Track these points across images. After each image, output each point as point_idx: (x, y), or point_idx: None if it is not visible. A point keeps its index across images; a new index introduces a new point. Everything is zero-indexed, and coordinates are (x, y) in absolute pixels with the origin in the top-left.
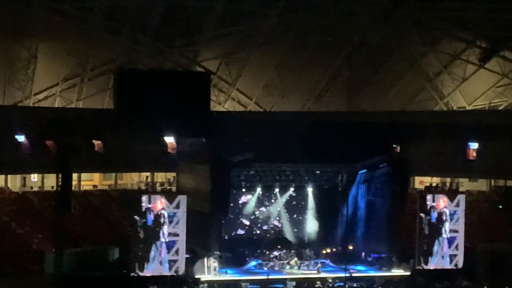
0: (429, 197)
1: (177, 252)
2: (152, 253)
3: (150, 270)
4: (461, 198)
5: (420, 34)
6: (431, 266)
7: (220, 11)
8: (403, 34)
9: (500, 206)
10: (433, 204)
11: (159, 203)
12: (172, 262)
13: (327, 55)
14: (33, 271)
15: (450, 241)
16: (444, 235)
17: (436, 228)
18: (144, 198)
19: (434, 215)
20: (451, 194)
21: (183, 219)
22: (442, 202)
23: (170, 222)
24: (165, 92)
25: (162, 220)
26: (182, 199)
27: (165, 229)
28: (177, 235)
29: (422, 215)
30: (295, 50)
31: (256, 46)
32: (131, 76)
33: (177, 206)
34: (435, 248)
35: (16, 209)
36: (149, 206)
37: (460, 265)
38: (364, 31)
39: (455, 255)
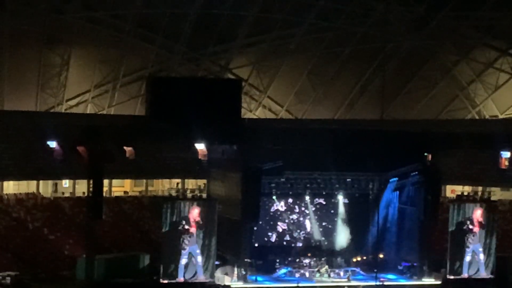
0: (460, 205)
1: (207, 258)
2: (182, 260)
3: (180, 277)
4: (493, 207)
5: (454, 43)
6: (462, 275)
7: (252, 19)
8: (437, 43)
9: None
10: (465, 212)
11: (190, 210)
12: (202, 269)
13: (360, 63)
14: (65, 277)
15: (482, 250)
16: (475, 245)
17: (467, 238)
18: (174, 204)
19: (466, 224)
20: (483, 203)
21: (213, 225)
22: (473, 211)
23: (201, 229)
24: (196, 99)
25: (192, 227)
26: (213, 205)
27: (196, 235)
28: (208, 242)
29: (453, 223)
30: (327, 58)
31: (288, 54)
32: (163, 83)
33: (207, 213)
34: (467, 257)
35: (48, 215)
36: (179, 212)
37: (492, 274)
38: (398, 40)
39: (487, 265)
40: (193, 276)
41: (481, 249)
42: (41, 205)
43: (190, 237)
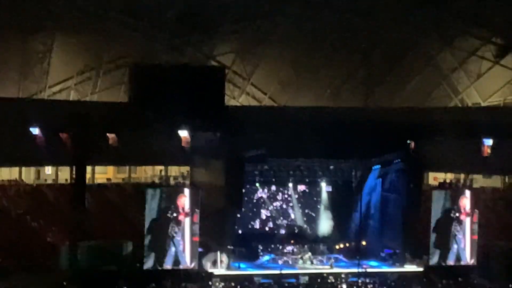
0: (442, 193)
1: (190, 246)
2: (165, 247)
3: (163, 264)
4: (476, 195)
5: (437, 32)
6: (444, 263)
7: (237, 7)
8: (420, 32)
9: None
10: (447, 200)
11: (173, 197)
12: (185, 256)
13: (344, 51)
14: (48, 264)
15: (464, 238)
16: (457, 232)
17: (450, 225)
18: (157, 191)
19: (448, 211)
20: (465, 190)
21: (196, 213)
22: (455, 198)
23: (184, 216)
24: (179, 87)
25: (175, 214)
26: (196, 193)
27: (179, 223)
28: (191, 229)
29: (435, 210)
30: (312, 46)
31: (273, 42)
32: (146, 71)
33: (191, 200)
34: (449, 245)
35: (31, 202)
36: (162, 199)
37: (474, 262)
38: (382, 29)
39: (469, 252)
40: (177, 263)
41: (463, 237)
42: (23, 192)
43: (175, 224)
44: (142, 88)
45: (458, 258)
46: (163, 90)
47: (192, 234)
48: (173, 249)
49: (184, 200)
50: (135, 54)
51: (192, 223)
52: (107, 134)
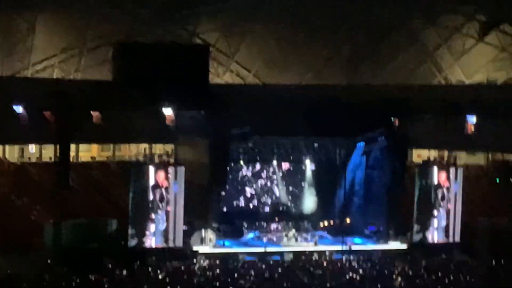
0: (426, 170)
1: (175, 224)
2: (150, 225)
3: (148, 242)
4: (459, 172)
5: (421, 9)
6: (428, 239)
7: None
8: (404, 9)
9: (497, 180)
10: (430, 177)
11: (157, 175)
12: (170, 234)
13: (329, 29)
14: (32, 243)
15: (447, 215)
16: (441, 209)
17: (433, 202)
18: (142, 169)
19: (431, 188)
20: (449, 167)
21: (180, 191)
22: (439, 176)
23: (168, 194)
24: (163, 65)
25: (159, 192)
26: (180, 171)
27: (163, 201)
28: (175, 207)
29: (419, 188)
30: (296, 24)
31: (257, 20)
32: (130, 49)
33: (175, 178)
34: (432, 222)
35: (15, 181)
36: (147, 177)
37: (457, 239)
38: (367, 6)
39: (452, 229)
40: (162, 241)
41: (446, 214)
42: (7, 170)
43: (159, 202)
44: (126, 66)
45: (442, 235)
46: (147, 68)
47: (177, 212)
48: (157, 227)
49: (169, 178)
50: (119, 32)
51: (177, 201)
52: (91, 112)
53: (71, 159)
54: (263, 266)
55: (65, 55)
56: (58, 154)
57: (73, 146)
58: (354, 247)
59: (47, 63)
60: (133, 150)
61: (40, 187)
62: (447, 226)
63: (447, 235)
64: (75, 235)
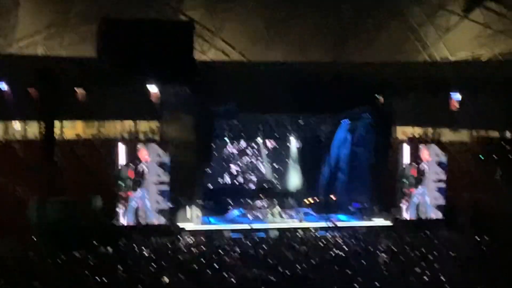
0: (410, 147)
1: (160, 201)
2: (135, 203)
3: (132, 219)
4: (443, 148)
5: None
6: (412, 216)
7: None
8: None
9: (481, 157)
10: (415, 154)
11: (142, 152)
12: (155, 211)
13: (314, 5)
14: (17, 221)
15: (431, 191)
16: (425, 186)
17: (417, 179)
18: (126, 146)
19: (416, 165)
20: (433, 144)
21: (166, 168)
22: (423, 153)
23: (153, 171)
24: (148, 41)
25: (144, 169)
26: (165, 148)
27: (147, 178)
28: (160, 184)
29: (403, 165)
30: (281, 1)
31: None
32: (114, 25)
33: (159, 156)
34: (416, 198)
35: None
36: (131, 155)
37: (441, 215)
38: None
39: (436, 206)
40: (147, 219)
41: (431, 190)
42: None
43: (145, 180)
44: (111, 43)
45: (426, 212)
46: (132, 45)
47: (162, 189)
48: (142, 204)
49: (154, 155)
50: (103, 9)
51: (161, 178)
52: (76, 89)
53: (56, 137)
54: (248, 243)
55: (49, 31)
56: (42, 131)
57: (57, 123)
58: (339, 224)
59: (31, 40)
60: (118, 127)
61: (25, 165)
62: (431, 203)
63: (431, 212)
64: (60, 212)
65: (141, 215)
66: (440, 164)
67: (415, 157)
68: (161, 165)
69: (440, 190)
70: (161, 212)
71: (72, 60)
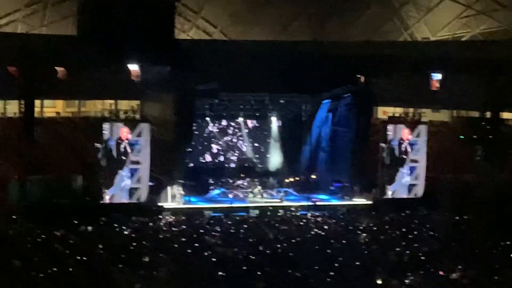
0: (391, 127)
1: (140, 180)
2: (115, 181)
3: (114, 198)
4: (423, 128)
5: None
6: (392, 195)
7: None
8: None
9: (462, 137)
10: (396, 134)
11: (123, 131)
12: (135, 190)
13: None
14: None
15: (412, 171)
16: (405, 165)
17: (398, 158)
18: (107, 125)
19: (396, 145)
20: (414, 124)
21: (146, 147)
22: (404, 132)
23: (134, 150)
24: (129, 20)
25: (125, 148)
26: (146, 127)
27: (128, 157)
28: (141, 163)
29: (384, 145)
30: None
31: None
32: (95, 3)
33: (140, 134)
34: (397, 178)
35: None
36: (112, 133)
37: (421, 194)
38: None
39: (416, 185)
40: (128, 197)
41: (411, 170)
42: None
43: (125, 158)
44: (91, 21)
45: (406, 191)
46: (113, 23)
47: (142, 168)
48: (123, 183)
49: (134, 134)
50: None
51: (142, 157)
52: (56, 68)
53: (36, 115)
54: (229, 222)
55: (30, 9)
56: (22, 110)
57: (37, 102)
58: (319, 203)
59: (10, 17)
60: (98, 106)
61: (5, 143)
62: (411, 182)
63: (411, 191)
64: (41, 191)
65: (122, 193)
66: (420, 143)
67: (396, 137)
68: (141, 143)
69: (420, 169)
70: (142, 190)
71: (52, 38)
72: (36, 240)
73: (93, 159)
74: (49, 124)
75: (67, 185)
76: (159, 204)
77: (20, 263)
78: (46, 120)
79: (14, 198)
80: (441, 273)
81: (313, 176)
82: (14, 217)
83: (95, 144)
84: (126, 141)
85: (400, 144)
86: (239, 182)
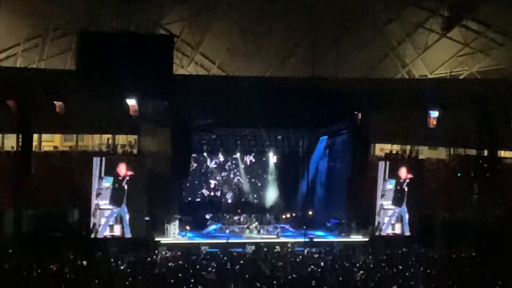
0: (388, 164)
1: (137, 214)
2: (112, 215)
3: (109, 232)
4: (421, 165)
5: (384, 2)
6: (389, 232)
7: None
8: (368, 2)
9: (459, 174)
10: (393, 171)
11: (120, 166)
12: (132, 225)
13: (292, 20)
14: None
15: (408, 208)
16: (402, 203)
17: (394, 195)
18: (105, 160)
19: (393, 182)
20: (411, 161)
21: (143, 182)
22: (401, 170)
23: (130, 184)
24: (127, 55)
25: (122, 183)
26: (143, 161)
27: (125, 191)
28: (137, 198)
29: (381, 182)
30: (260, 15)
31: (221, 10)
32: (93, 38)
33: (137, 169)
34: (393, 215)
35: None
36: (110, 168)
37: (418, 232)
38: None
39: (413, 223)
40: (123, 232)
41: (407, 208)
42: None
43: (122, 193)
44: (90, 56)
45: (403, 228)
46: (111, 58)
47: (139, 203)
48: (120, 217)
49: (131, 169)
50: (83, 21)
51: (139, 191)
52: (54, 102)
53: (33, 148)
54: (226, 258)
55: (29, 44)
56: (20, 143)
57: (35, 136)
58: (316, 240)
59: (10, 52)
60: (96, 140)
61: (2, 176)
62: (408, 219)
63: (407, 229)
64: (36, 224)
65: (118, 228)
66: (417, 181)
67: (393, 174)
68: (139, 178)
69: (417, 207)
70: (138, 225)
71: (51, 73)
72: (31, 273)
73: (89, 193)
74: (47, 158)
75: (63, 218)
76: (155, 239)
77: None
78: (44, 153)
79: (9, 230)
80: None
81: (310, 213)
82: (9, 251)
83: (91, 178)
84: (123, 175)
85: (396, 181)
86: (236, 217)
